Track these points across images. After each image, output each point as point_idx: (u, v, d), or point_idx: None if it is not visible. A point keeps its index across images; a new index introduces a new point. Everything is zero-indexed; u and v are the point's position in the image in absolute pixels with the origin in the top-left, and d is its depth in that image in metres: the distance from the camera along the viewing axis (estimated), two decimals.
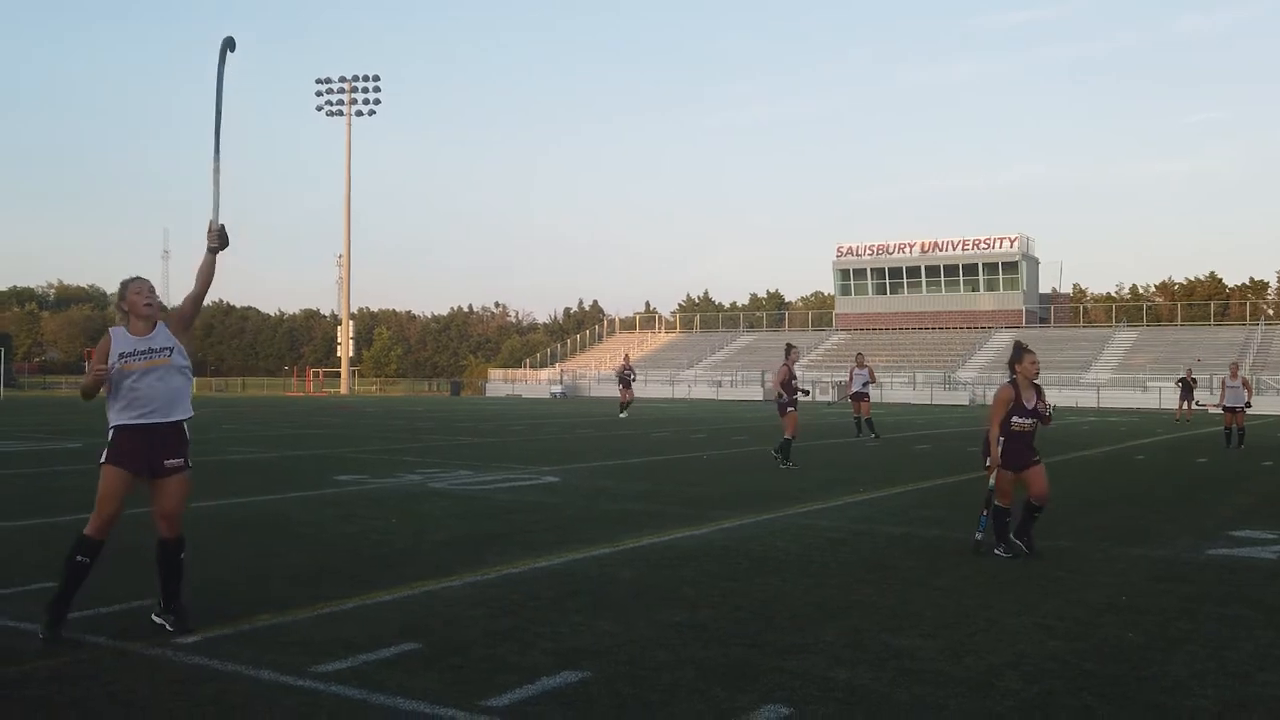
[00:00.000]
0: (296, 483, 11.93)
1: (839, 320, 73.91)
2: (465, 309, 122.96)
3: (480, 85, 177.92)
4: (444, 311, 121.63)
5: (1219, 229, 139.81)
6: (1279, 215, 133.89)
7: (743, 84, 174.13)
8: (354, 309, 79.02)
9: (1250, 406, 21.04)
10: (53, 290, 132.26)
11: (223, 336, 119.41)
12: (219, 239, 5.42)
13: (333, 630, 5.11)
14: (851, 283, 73.54)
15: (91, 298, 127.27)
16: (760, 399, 58.45)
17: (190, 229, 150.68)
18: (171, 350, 5.17)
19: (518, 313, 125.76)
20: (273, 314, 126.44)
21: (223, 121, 5.59)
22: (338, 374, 76.05)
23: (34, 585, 5.91)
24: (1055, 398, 50.90)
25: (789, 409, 14.79)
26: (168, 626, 5.04)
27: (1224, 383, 21.14)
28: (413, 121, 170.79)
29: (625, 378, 30.45)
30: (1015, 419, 7.50)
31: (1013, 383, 7.59)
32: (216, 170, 5.54)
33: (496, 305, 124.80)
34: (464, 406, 43.35)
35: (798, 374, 15.28)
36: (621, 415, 29.40)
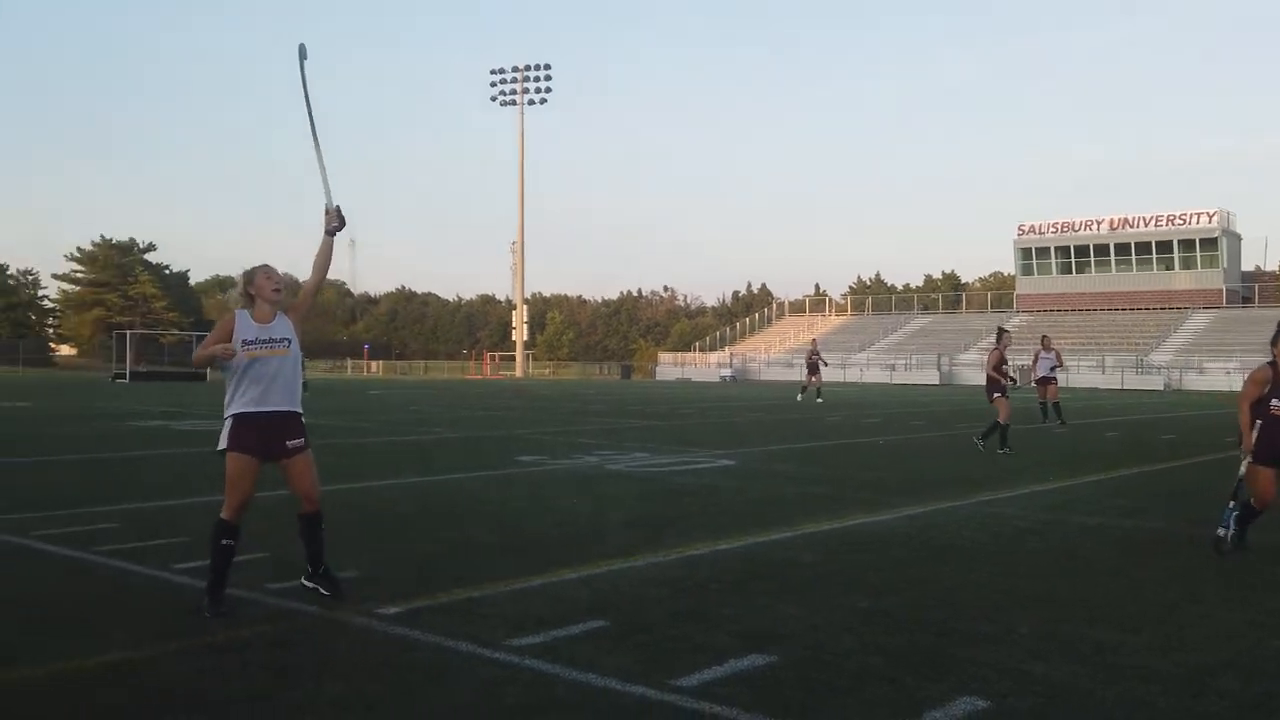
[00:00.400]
0: (483, 462, 12.35)
1: (1020, 301, 71.14)
2: (635, 293, 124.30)
3: (651, 71, 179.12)
4: (614, 296, 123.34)
5: None
6: None
7: (911, 55, 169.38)
8: (527, 294, 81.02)
9: None
10: None
11: (405, 322, 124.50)
12: (337, 219, 5.49)
13: (524, 605, 5.27)
14: (1034, 262, 70.63)
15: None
16: (936, 383, 56.93)
17: (371, 218, 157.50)
18: (290, 341, 5.30)
19: (686, 296, 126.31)
20: (451, 299, 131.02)
21: (314, 114, 5.65)
22: (513, 357, 78.22)
23: (254, 555, 6.30)
24: None
25: (997, 394, 14.42)
26: (321, 590, 5.30)
27: None
28: (583, 109, 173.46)
29: (813, 363, 30.12)
30: (1275, 401, 6.70)
31: (1272, 364, 6.81)
32: (320, 158, 5.59)
33: (665, 289, 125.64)
34: (635, 390, 43.89)
35: (1008, 359, 14.82)
36: (799, 398, 29.15)
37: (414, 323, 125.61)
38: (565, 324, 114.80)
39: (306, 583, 5.38)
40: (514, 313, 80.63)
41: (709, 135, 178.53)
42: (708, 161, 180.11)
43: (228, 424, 5.20)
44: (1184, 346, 57.48)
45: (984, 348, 63.88)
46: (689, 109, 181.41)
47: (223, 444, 5.18)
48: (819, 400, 28.93)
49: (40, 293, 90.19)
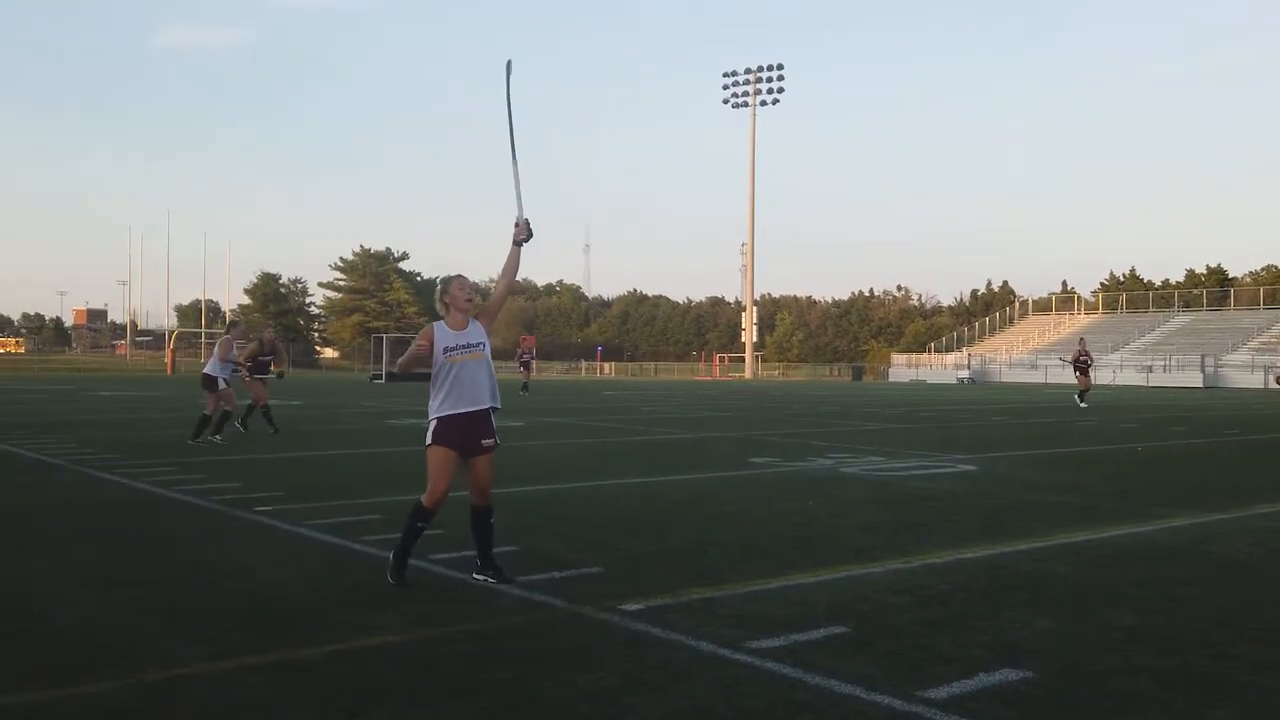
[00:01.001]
0: (717, 463, 12.42)
1: None
2: (866, 293, 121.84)
3: (878, 67, 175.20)
4: (844, 296, 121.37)
5: None
6: None
7: (1164, 34, 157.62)
8: (756, 295, 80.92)
9: None
10: (493, 284, 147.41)
11: (635, 324, 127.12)
12: (525, 232, 5.86)
13: (763, 607, 5.25)
14: None
15: (525, 290, 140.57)
16: (1199, 385, 52.79)
17: (603, 224, 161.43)
18: (484, 345, 5.72)
19: (921, 295, 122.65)
20: (681, 301, 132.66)
21: (515, 130, 6.06)
22: (742, 359, 78.34)
23: (504, 549, 6.59)
24: None
25: None
26: (489, 580, 5.62)
27: None
28: (815, 108, 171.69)
29: (1082, 364, 28.58)
30: None
31: None
32: (516, 173, 5.96)
33: (899, 288, 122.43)
34: (867, 391, 43.03)
35: None
36: (1081, 404, 27.62)
37: (645, 325, 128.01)
38: (794, 325, 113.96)
39: (478, 576, 5.71)
40: (743, 314, 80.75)
41: (947, 128, 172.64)
42: (941, 154, 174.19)
43: (433, 424, 5.66)
44: None
45: (1257, 347, 58.74)
46: (923, 100, 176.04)
47: (429, 440, 5.66)
48: (1082, 405, 27.30)
49: (307, 300, 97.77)
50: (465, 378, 5.63)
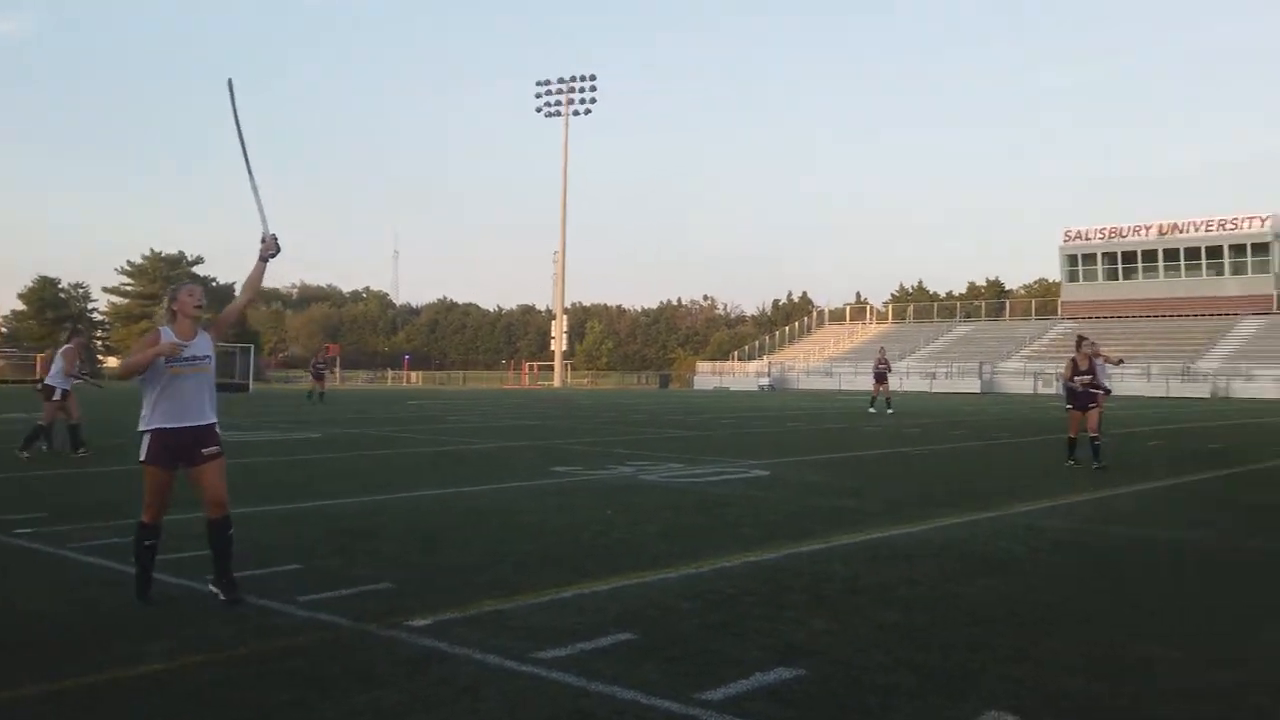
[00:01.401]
0: (517, 473, 12.38)
1: (1064, 308, 70.33)
2: (674, 302, 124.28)
3: (690, 79, 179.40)
4: (653, 305, 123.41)
5: None
6: None
7: (946, 63, 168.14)
8: (567, 303, 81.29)
9: None
10: (295, 290, 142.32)
11: (445, 332, 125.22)
12: (274, 247, 5.86)
13: (554, 617, 5.27)
14: (1080, 268, 69.84)
15: (329, 296, 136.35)
16: (977, 391, 56.34)
17: (413, 230, 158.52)
18: (209, 359, 5.62)
19: (726, 305, 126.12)
20: (491, 309, 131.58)
21: (246, 145, 6.09)
22: (551, 367, 78.47)
23: (286, 567, 6.36)
24: None
25: (1069, 406, 13.47)
26: (220, 595, 5.49)
27: None
28: (625, 119, 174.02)
29: (880, 371, 29.93)
30: None
31: None
32: (254, 188, 5.96)
33: (705, 298, 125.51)
34: (672, 399, 43.87)
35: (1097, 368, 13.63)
36: (871, 410, 28.88)
37: (454, 333, 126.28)
38: (604, 333, 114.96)
39: (212, 587, 5.56)
40: (553, 322, 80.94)
41: (750, 143, 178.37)
42: (748, 168, 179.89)
43: (147, 439, 5.47)
44: (1232, 354, 56.48)
45: (1028, 355, 63.23)
46: (730, 117, 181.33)
47: (143, 456, 5.49)
48: (890, 410, 28.59)
49: (90, 305, 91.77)
50: (184, 391, 5.49)
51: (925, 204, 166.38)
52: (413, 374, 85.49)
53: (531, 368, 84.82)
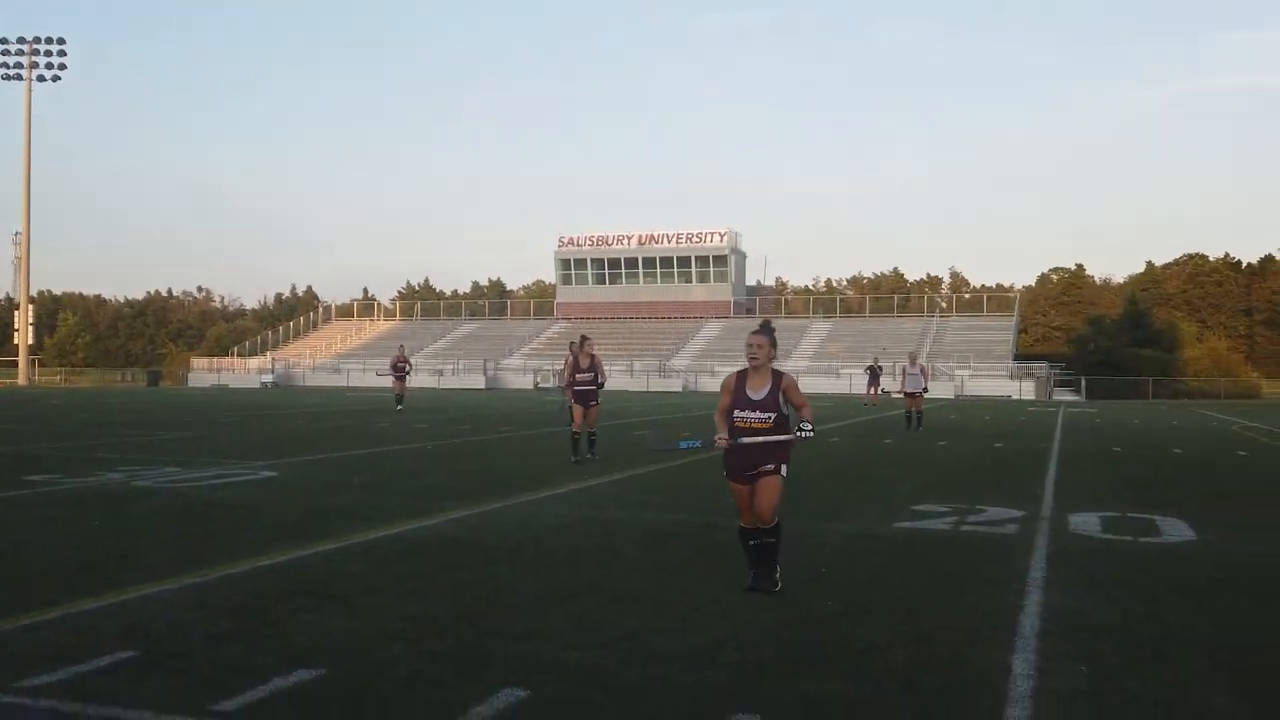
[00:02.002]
0: None
1: (559, 310, 74.95)
2: (164, 293, 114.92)
3: (178, 56, 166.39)
4: (139, 295, 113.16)
5: (902, 228, 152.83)
6: (952, 217, 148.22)
7: (461, 67, 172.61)
8: (34, 292, 71.88)
9: (927, 391, 23.30)
10: None
11: None
12: None
13: (39, 642, 4.78)
14: (572, 273, 74.80)
15: None
16: (482, 387, 58.36)
17: None
18: None
19: (223, 298, 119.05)
20: None
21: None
22: (15, 363, 69.02)
23: None
24: None
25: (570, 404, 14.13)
26: None
27: (904, 370, 23.31)
28: (108, 92, 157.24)
29: (400, 369, 29.54)
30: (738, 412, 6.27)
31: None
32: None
33: (199, 290, 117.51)
34: (164, 398, 40.61)
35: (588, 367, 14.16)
36: (399, 408, 28.42)
37: None
38: (81, 326, 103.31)
39: None
40: (16, 312, 71.18)
41: (247, 128, 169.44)
42: (245, 155, 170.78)
43: None
44: (699, 353, 63.70)
45: (528, 353, 66.60)
46: (217, 101, 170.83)
47: None
48: (399, 408, 28.46)
49: None
50: None
51: (432, 207, 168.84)
52: None
53: None
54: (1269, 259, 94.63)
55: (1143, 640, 5.14)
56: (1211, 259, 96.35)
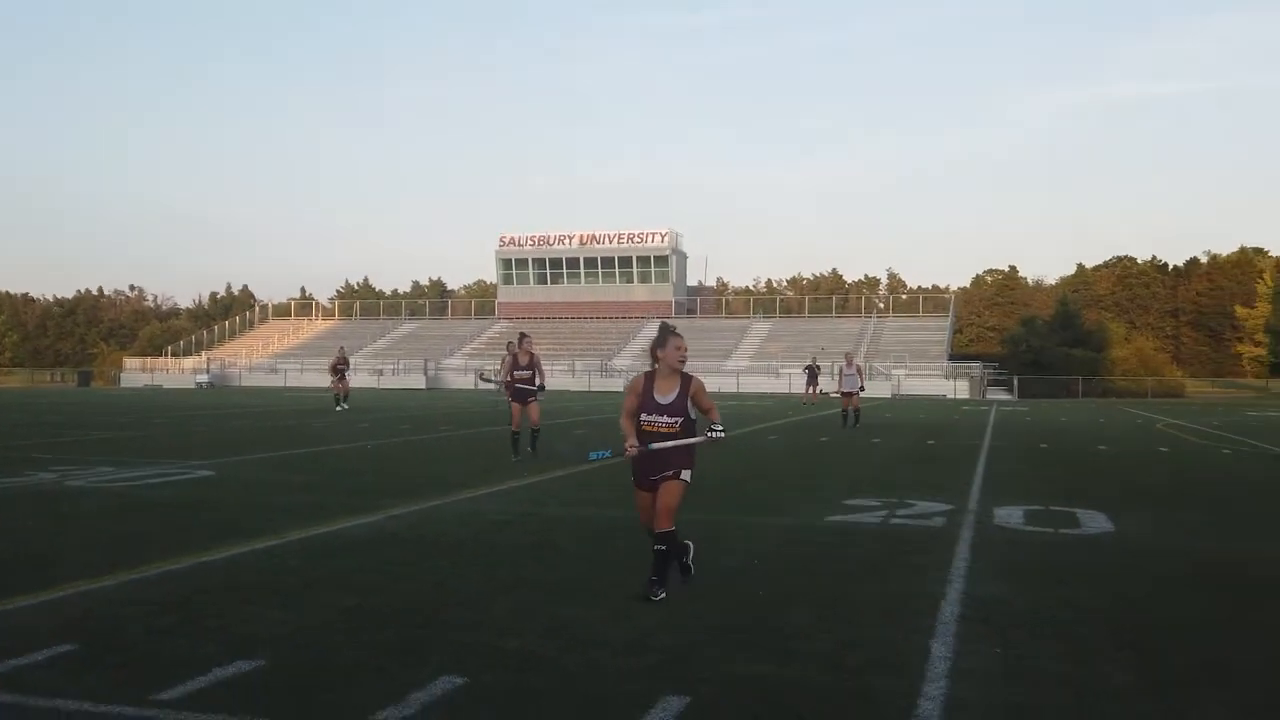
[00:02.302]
0: None
1: (501, 309, 74.80)
2: (94, 292, 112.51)
3: (107, 54, 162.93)
4: (68, 294, 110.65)
5: (840, 230, 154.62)
6: (889, 219, 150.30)
7: (398, 63, 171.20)
8: None
9: (863, 390, 23.72)
10: None
11: None
12: None
13: None
14: (514, 272, 74.68)
15: None
16: (423, 387, 58.01)
17: None
18: None
19: (157, 297, 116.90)
20: None
21: None
22: None
23: None
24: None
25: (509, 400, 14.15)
26: None
27: (841, 370, 23.71)
28: (32, 90, 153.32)
29: (340, 369, 29.36)
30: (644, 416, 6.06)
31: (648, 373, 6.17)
32: None
33: (132, 289, 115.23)
34: (96, 398, 39.86)
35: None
36: (339, 408, 28.19)
37: None
38: (8, 325, 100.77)
39: None
40: None
41: (179, 126, 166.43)
42: (180, 153, 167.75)
43: None
44: (641, 352, 63.90)
45: (469, 352, 66.31)
46: (152, 99, 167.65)
47: None
48: (341, 407, 28.26)
49: None
50: None
51: (370, 206, 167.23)
52: None
53: None
54: (1194, 262, 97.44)
55: (1054, 623, 5.40)
56: (1140, 261, 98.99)
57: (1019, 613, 5.61)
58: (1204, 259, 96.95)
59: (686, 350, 6.02)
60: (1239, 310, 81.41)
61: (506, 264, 74.77)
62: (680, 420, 5.86)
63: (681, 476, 5.87)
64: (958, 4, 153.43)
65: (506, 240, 74.66)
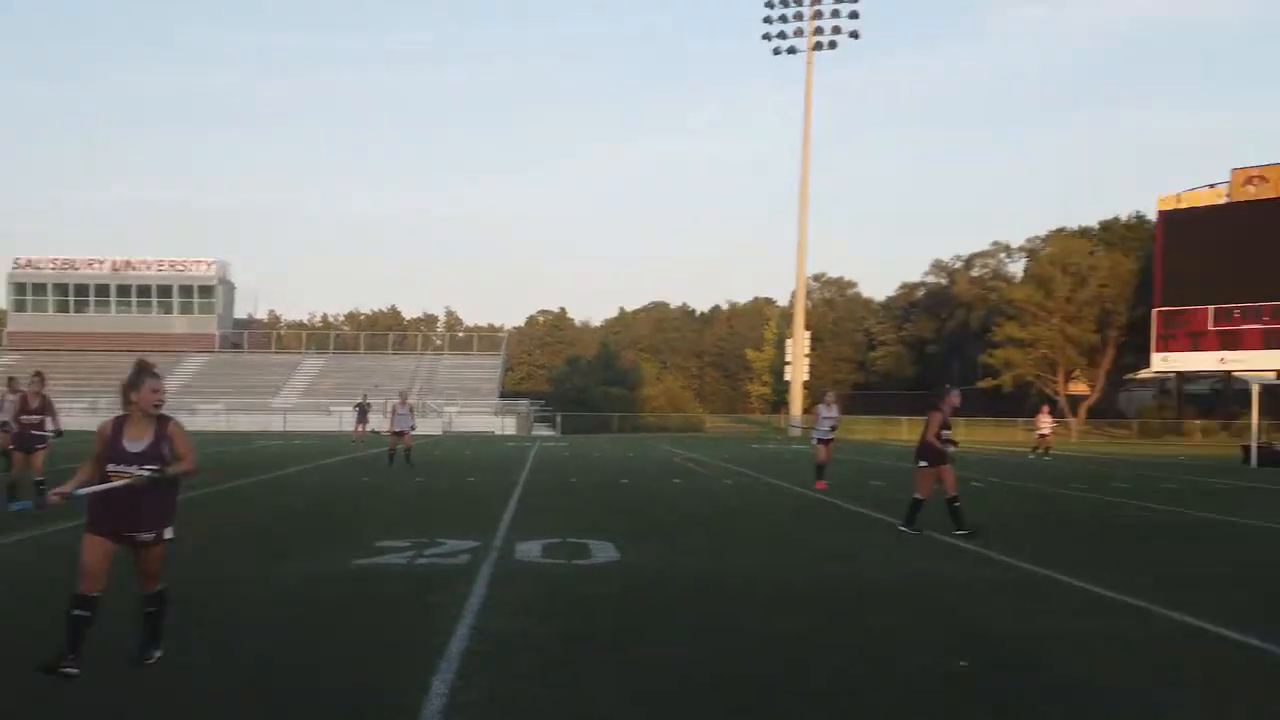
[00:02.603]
0: None
1: (11, 339, 66.32)
2: None
3: None
4: None
5: (402, 266, 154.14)
6: (446, 256, 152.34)
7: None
8: None
9: (415, 429, 23.94)
10: None
11: None
12: None
13: None
14: (29, 298, 66.67)
15: None
16: None
17: None
18: None
19: None
20: None
21: None
22: None
23: None
24: (244, 423, 51.90)
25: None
26: None
27: (394, 408, 23.78)
28: None
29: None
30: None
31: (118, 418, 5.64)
32: None
33: None
34: None
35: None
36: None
37: None
38: None
39: None
40: None
41: None
42: None
43: None
44: (179, 389, 59.52)
45: None
46: None
47: None
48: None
49: None
50: None
51: None
52: None
53: None
54: (716, 309, 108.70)
55: (556, 650, 5.96)
56: (672, 306, 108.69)
57: (524, 642, 6.11)
58: (725, 306, 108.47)
59: (164, 393, 5.55)
60: (750, 353, 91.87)
61: (20, 289, 66.50)
62: (158, 469, 5.27)
63: (164, 536, 5.41)
64: (510, 69, 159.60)
65: (23, 263, 66.55)
